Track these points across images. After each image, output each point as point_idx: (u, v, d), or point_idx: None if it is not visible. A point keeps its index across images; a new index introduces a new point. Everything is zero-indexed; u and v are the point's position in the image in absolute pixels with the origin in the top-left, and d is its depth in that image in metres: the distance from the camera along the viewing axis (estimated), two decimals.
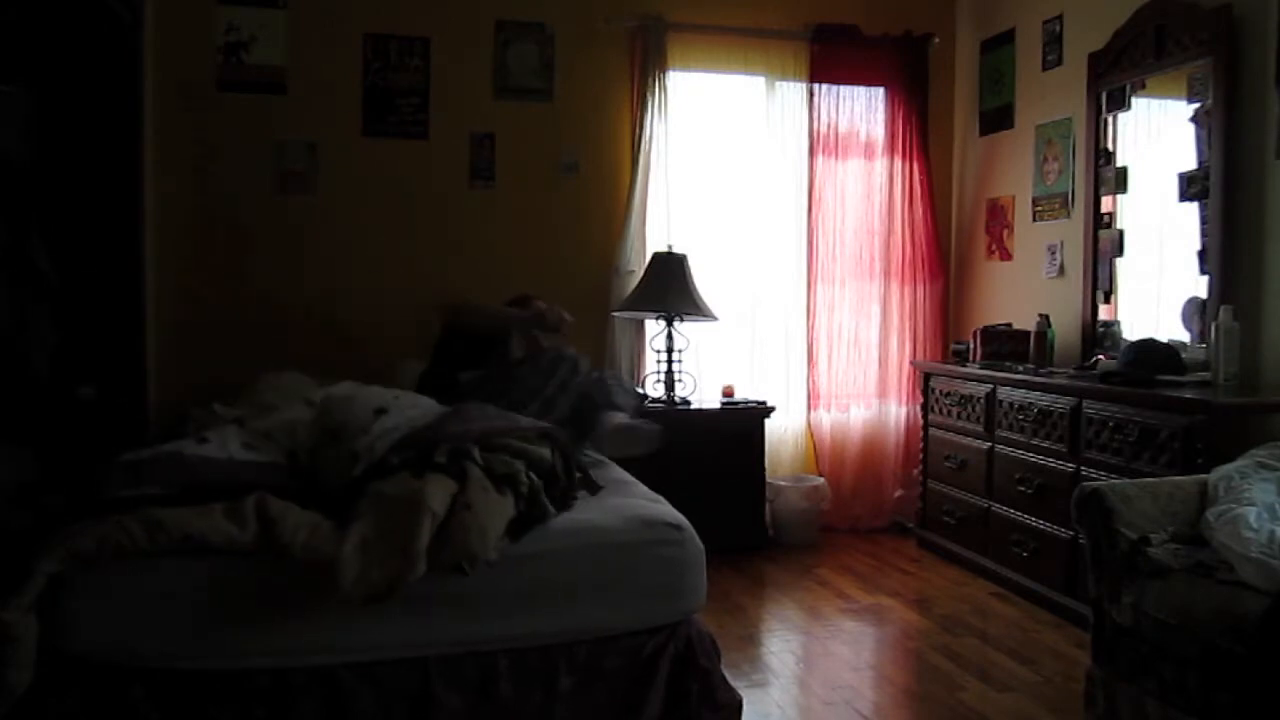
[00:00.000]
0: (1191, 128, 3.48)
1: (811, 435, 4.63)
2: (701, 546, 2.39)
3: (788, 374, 4.61)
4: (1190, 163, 3.46)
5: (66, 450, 3.15)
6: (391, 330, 4.16)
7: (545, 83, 4.34)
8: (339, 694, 2.10)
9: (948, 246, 4.87)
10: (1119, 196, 3.84)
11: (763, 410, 4.33)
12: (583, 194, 4.39)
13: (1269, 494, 2.35)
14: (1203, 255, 3.39)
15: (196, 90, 3.97)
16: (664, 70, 4.35)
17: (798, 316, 4.62)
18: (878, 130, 4.68)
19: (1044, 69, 4.25)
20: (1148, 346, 3.39)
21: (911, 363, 4.65)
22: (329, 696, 2.10)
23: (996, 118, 4.58)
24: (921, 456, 4.42)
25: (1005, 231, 4.51)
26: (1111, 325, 3.85)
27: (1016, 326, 4.16)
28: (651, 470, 3.18)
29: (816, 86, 4.56)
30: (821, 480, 4.53)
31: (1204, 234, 3.38)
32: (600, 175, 4.42)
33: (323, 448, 2.44)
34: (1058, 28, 4.16)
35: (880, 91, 4.68)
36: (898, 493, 4.69)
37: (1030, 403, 3.60)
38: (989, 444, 3.87)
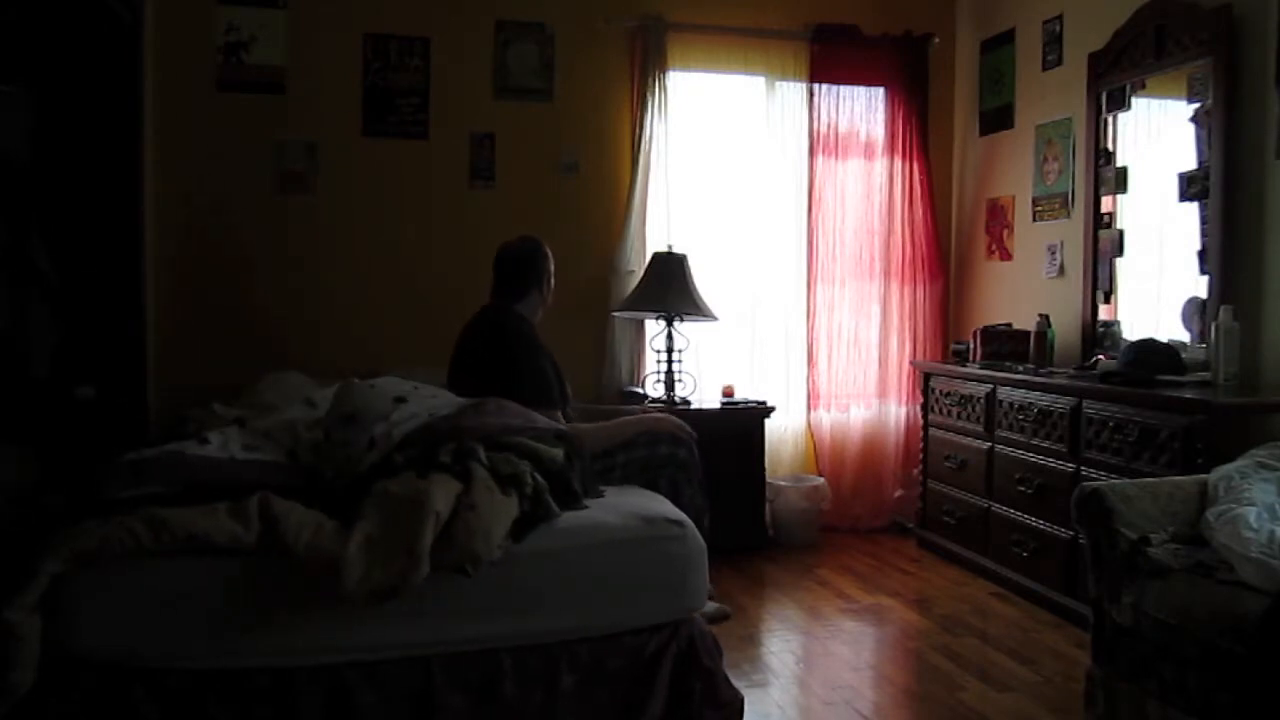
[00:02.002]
0: (1191, 128, 3.48)
1: (811, 435, 4.63)
2: (703, 544, 2.39)
3: (788, 374, 4.62)
4: (1190, 163, 3.47)
5: (66, 450, 3.15)
6: (391, 330, 4.16)
7: (545, 83, 4.34)
8: (342, 694, 2.10)
9: (948, 246, 4.88)
10: (1119, 196, 3.84)
11: (763, 410, 4.33)
12: (583, 194, 4.39)
13: (1269, 494, 2.35)
14: (1203, 255, 3.39)
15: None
16: (664, 70, 4.35)
17: (798, 316, 4.62)
18: (878, 130, 4.68)
19: (1044, 69, 4.25)
20: (1148, 346, 3.40)
21: (911, 363, 4.65)
22: (332, 696, 2.10)
23: (996, 118, 4.58)
24: (921, 456, 4.42)
25: (1005, 231, 4.51)
26: (1111, 325, 3.85)
27: (1016, 326, 4.16)
28: None
29: (816, 86, 4.56)
30: (821, 480, 4.53)
31: (1204, 234, 3.38)
32: (600, 175, 4.42)
33: (336, 432, 2.44)
34: (1058, 28, 4.17)
35: (880, 91, 4.68)
36: (898, 493, 4.70)
37: (1030, 403, 3.61)
38: (989, 444, 3.87)
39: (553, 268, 3.31)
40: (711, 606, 3.20)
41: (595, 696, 2.25)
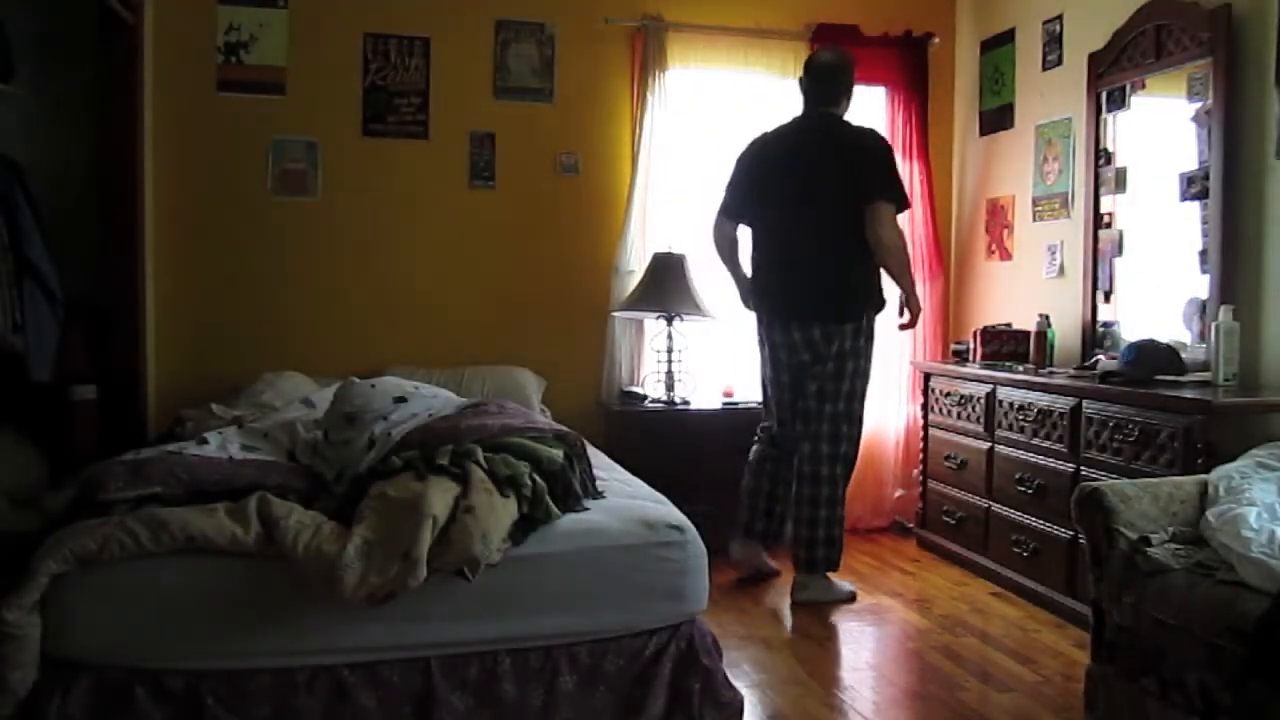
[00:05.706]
0: (1192, 128, 3.48)
1: None
2: (704, 549, 2.39)
3: None
4: (1190, 163, 3.46)
5: (66, 450, 3.15)
6: (391, 330, 4.16)
7: (545, 83, 4.34)
8: (341, 694, 2.10)
9: (948, 246, 4.87)
10: (1119, 196, 3.84)
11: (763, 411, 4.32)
12: (583, 194, 4.39)
13: (1269, 494, 2.35)
14: (1203, 255, 3.39)
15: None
16: (664, 70, 4.35)
17: None
18: (878, 130, 4.66)
19: (1044, 69, 4.25)
20: (1148, 346, 3.39)
21: (911, 363, 4.65)
22: (331, 697, 2.10)
23: (996, 118, 4.58)
24: (921, 456, 4.42)
25: (1005, 231, 4.51)
26: (1111, 325, 3.85)
27: (1016, 326, 4.16)
28: (652, 470, 3.18)
29: None
30: None
31: (1204, 234, 3.38)
32: (600, 175, 4.42)
33: (335, 432, 2.44)
34: (1058, 28, 4.17)
35: (880, 91, 4.68)
36: (898, 493, 4.69)
37: (1030, 403, 3.61)
38: (989, 444, 3.87)
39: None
40: (846, 587, 3.63)
41: (595, 696, 2.25)
